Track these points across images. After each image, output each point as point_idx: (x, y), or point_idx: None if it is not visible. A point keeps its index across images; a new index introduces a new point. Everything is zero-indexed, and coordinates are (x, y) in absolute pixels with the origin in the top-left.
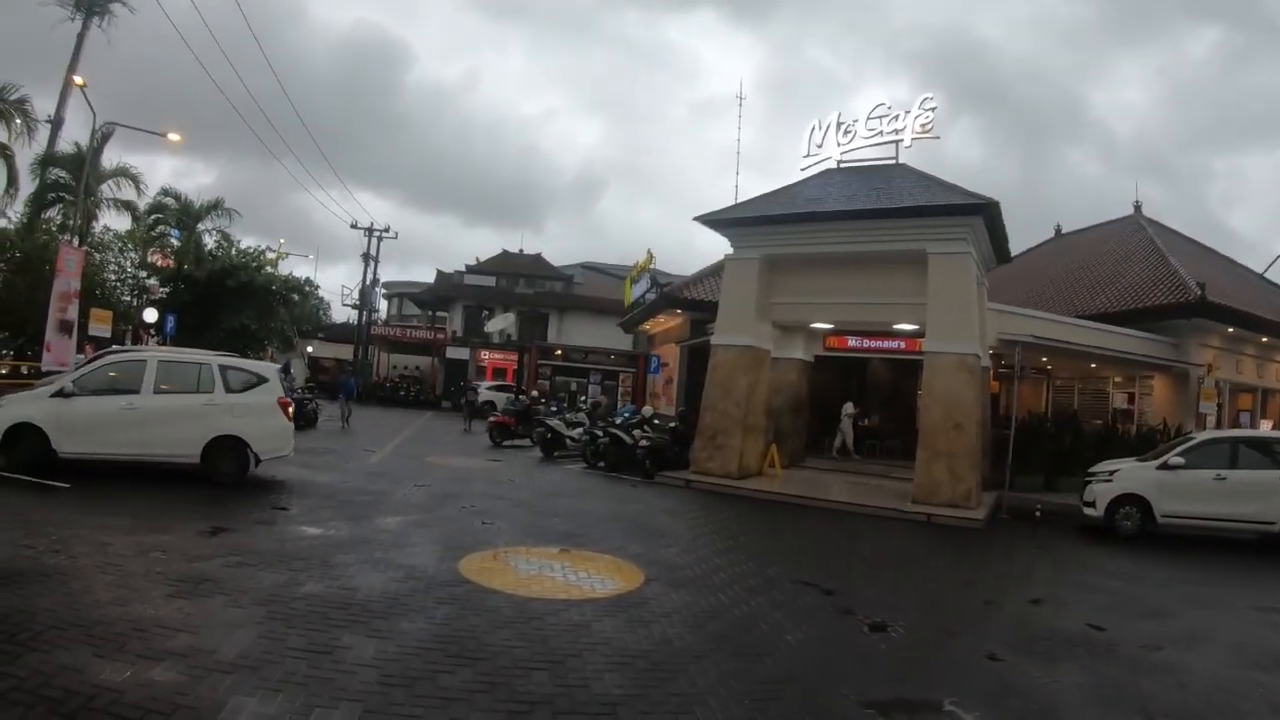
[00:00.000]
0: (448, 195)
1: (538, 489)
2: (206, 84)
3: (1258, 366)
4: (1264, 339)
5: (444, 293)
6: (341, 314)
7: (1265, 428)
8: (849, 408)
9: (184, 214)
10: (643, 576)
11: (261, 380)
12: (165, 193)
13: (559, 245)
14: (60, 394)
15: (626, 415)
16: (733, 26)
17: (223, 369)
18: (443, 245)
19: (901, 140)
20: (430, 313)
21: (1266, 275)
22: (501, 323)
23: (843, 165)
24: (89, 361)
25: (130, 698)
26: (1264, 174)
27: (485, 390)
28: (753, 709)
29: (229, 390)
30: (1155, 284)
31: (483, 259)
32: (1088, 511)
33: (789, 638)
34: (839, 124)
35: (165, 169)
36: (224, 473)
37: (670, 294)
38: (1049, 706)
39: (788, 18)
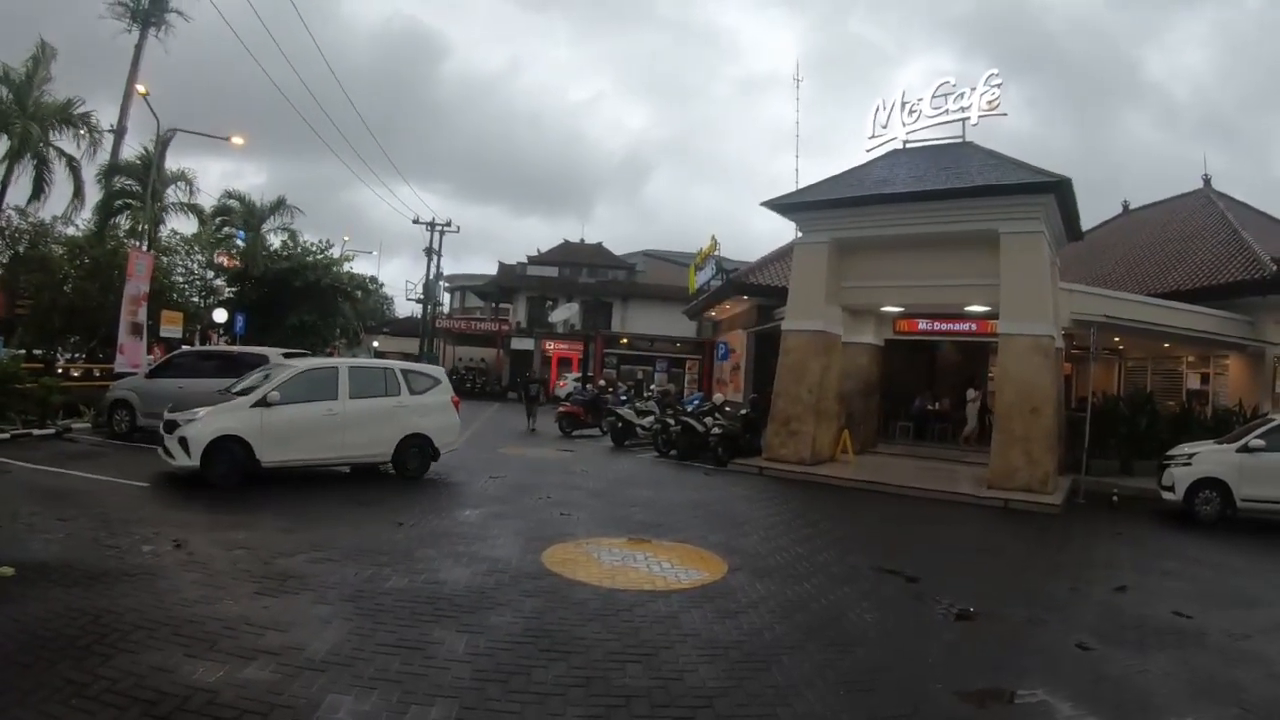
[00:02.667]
0: (495, 186)
1: (612, 478)
2: (250, 86)
3: None
4: None
5: (507, 284)
6: (405, 308)
7: None
8: (972, 393)
9: (249, 215)
10: (726, 566)
11: (437, 382)
12: (229, 195)
13: (614, 232)
14: (263, 403)
15: (695, 403)
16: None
17: (404, 373)
18: (496, 236)
19: (968, 118)
20: (494, 304)
21: None
22: (565, 312)
23: (909, 145)
24: (158, 363)
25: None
26: None
27: (573, 383)
28: (848, 700)
29: (413, 392)
30: (1228, 260)
31: (543, 250)
32: (1166, 496)
33: (877, 627)
34: (903, 103)
35: (216, 172)
36: (412, 468)
37: (737, 280)
38: (1142, 697)
39: None
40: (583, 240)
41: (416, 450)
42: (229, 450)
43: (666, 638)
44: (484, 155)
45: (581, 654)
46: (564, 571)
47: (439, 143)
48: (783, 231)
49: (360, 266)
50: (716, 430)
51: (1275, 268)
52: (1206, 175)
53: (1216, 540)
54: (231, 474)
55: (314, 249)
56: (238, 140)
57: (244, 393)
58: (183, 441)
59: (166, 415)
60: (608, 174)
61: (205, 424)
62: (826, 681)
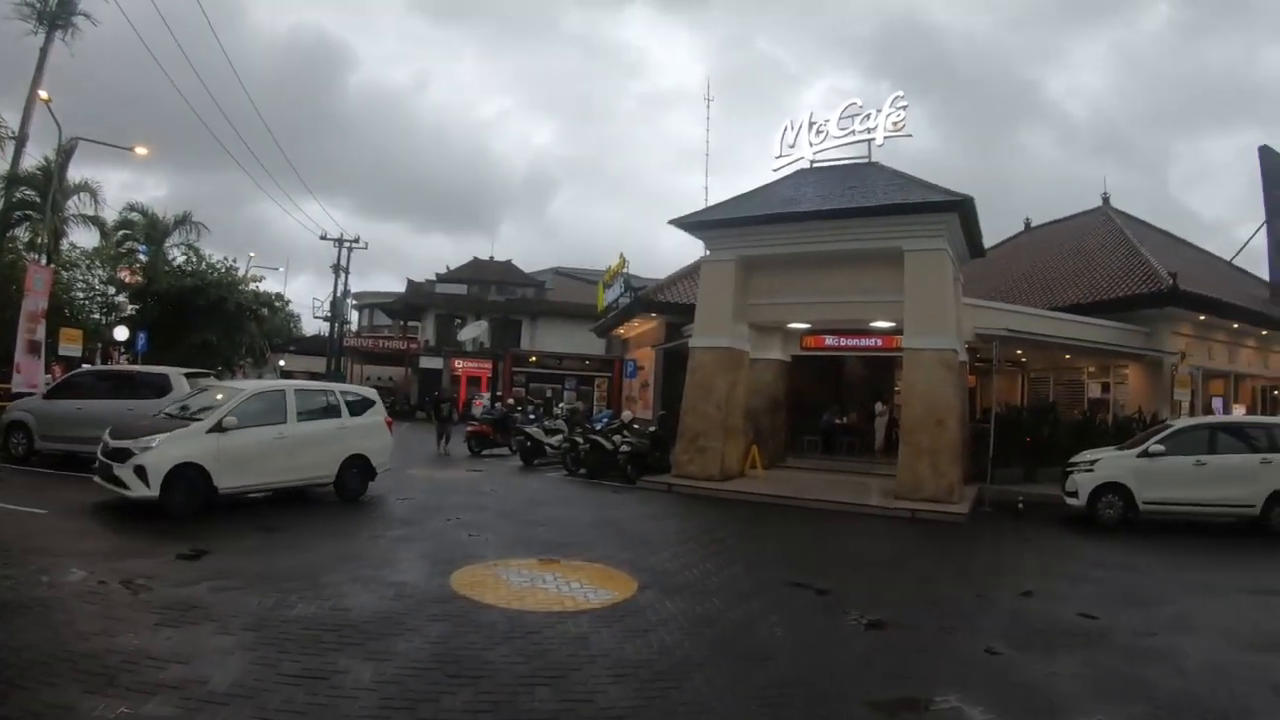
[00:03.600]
0: (402, 202)
1: (521, 498)
2: (151, 94)
3: (1229, 352)
4: (1234, 325)
5: (415, 301)
6: (312, 326)
7: (1238, 413)
8: (880, 407)
9: (152, 229)
10: (635, 584)
11: (372, 403)
12: (132, 208)
13: (523, 249)
14: (218, 428)
15: (604, 420)
16: (675, 19)
17: (343, 394)
18: (404, 253)
19: (874, 139)
20: (402, 322)
21: (1234, 262)
22: (474, 330)
23: (816, 165)
24: (56, 383)
25: None
26: (1224, 154)
27: (488, 402)
28: (761, 715)
29: (352, 414)
30: (1127, 274)
31: (453, 267)
32: (1070, 501)
33: (787, 641)
34: (811, 124)
35: (116, 183)
36: (352, 489)
37: (645, 297)
38: (1052, 698)
39: (733, 6)
40: (492, 258)
41: (356, 471)
42: (188, 478)
43: (576, 659)
44: (390, 171)
45: (490, 678)
46: (472, 594)
47: (344, 157)
48: (691, 249)
49: (266, 283)
50: (625, 448)
51: (1171, 282)
52: (1105, 194)
53: (1119, 543)
54: (190, 502)
55: (218, 266)
56: (141, 150)
57: (182, 416)
58: (139, 470)
59: (111, 442)
60: (515, 191)
61: (163, 451)
62: (738, 697)
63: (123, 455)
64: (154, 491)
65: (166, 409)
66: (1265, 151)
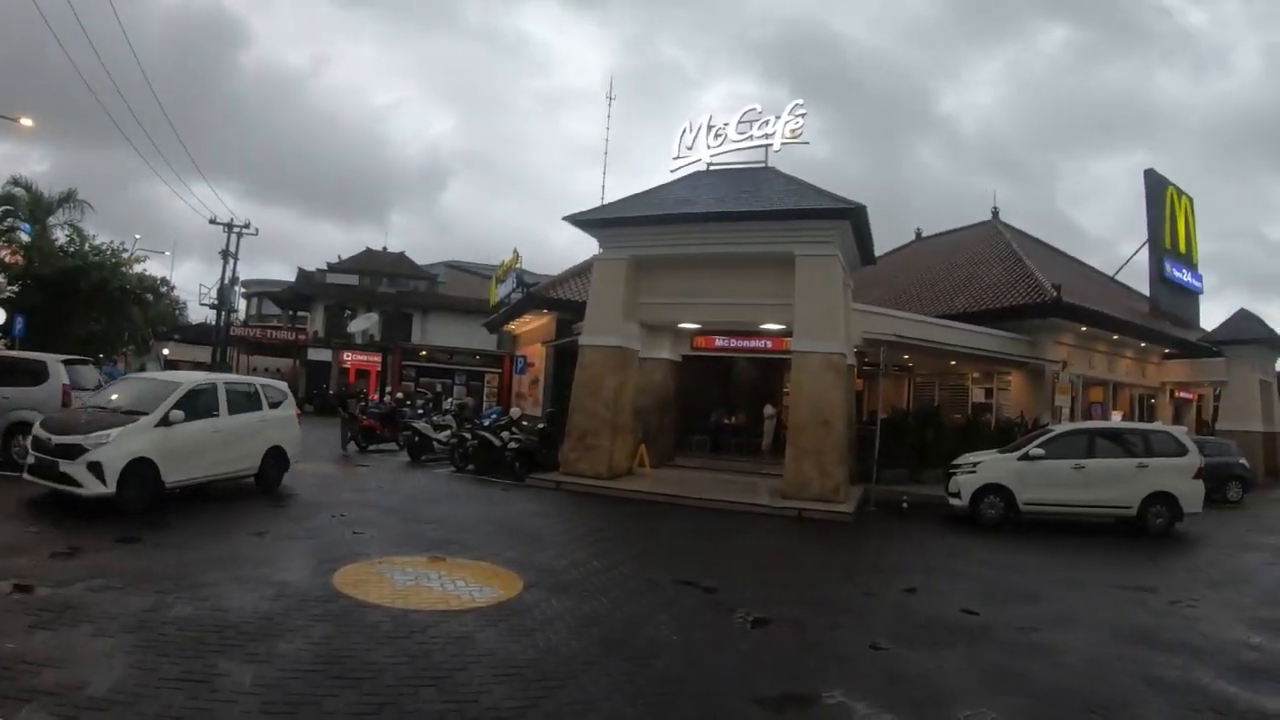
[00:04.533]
0: (293, 187)
1: (407, 495)
2: (37, 65)
3: (1108, 361)
4: (1114, 336)
5: (305, 291)
6: (199, 313)
7: (1116, 418)
8: (769, 409)
9: (35, 206)
10: (521, 583)
11: (286, 396)
12: (15, 182)
13: (417, 242)
14: (165, 422)
15: (493, 417)
16: (579, 16)
17: (263, 387)
18: (296, 241)
19: (772, 144)
20: (291, 312)
21: (1116, 277)
22: (364, 323)
23: (712, 167)
24: None
25: None
26: (1112, 174)
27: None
28: (647, 714)
29: (271, 406)
30: (1013, 286)
31: (345, 257)
32: (953, 502)
33: (675, 639)
34: (710, 127)
35: None
36: (271, 480)
37: (536, 294)
38: (935, 692)
39: (636, 4)
40: (385, 249)
41: (274, 463)
42: (139, 473)
43: (461, 659)
44: (282, 154)
45: (373, 680)
46: (356, 594)
47: (236, 138)
48: (585, 246)
49: (152, 267)
50: (513, 445)
51: (1055, 294)
52: (995, 208)
53: (1001, 541)
54: (142, 497)
55: (103, 249)
56: (26, 122)
57: (114, 409)
58: (94, 467)
59: (53, 438)
60: (410, 182)
61: (119, 446)
62: (624, 696)
63: (72, 451)
64: (111, 488)
65: (89, 401)
66: (1150, 175)
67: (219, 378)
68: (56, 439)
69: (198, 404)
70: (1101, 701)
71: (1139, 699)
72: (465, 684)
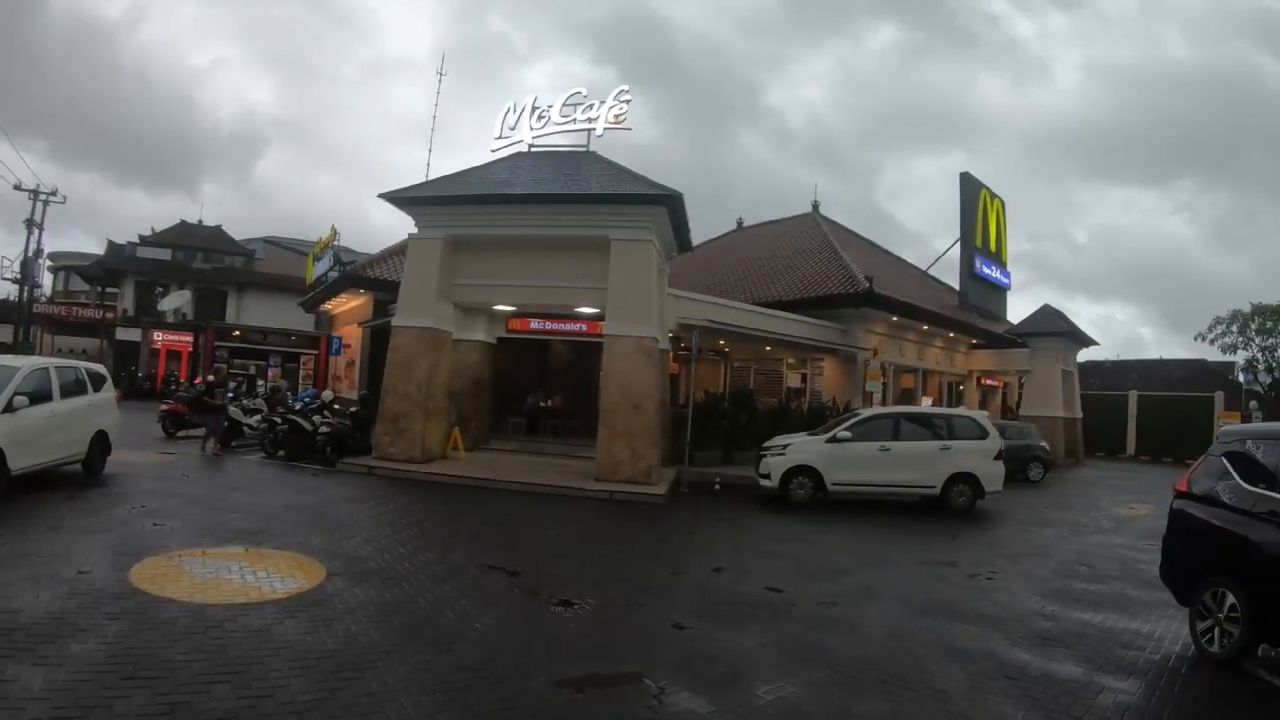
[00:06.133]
0: (100, 150)
1: (214, 483)
2: None
3: (919, 350)
4: (924, 327)
5: (115, 266)
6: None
7: (926, 403)
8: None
9: None
10: (324, 572)
11: (105, 379)
12: None
13: (232, 215)
14: (9, 409)
15: (306, 400)
16: None
17: (89, 372)
18: (102, 211)
19: (595, 129)
20: (99, 289)
21: (929, 271)
22: (177, 300)
23: (534, 149)
24: None
25: None
26: (932, 172)
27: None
28: (445, 701)
29: (95, 390)
30: (828, 276)
31: (159, 229)
32: (764, 483)
33: (477, 624)
34: (534, 108)
35: None
36: (98, 464)
37: (353, 273)
38: (736, 668)
39: None
40: (201, 222)
41: (100, 448)
42: None
43: (258, 653)
44: (91, 114)
45: (167, 678)
46: (153, 589)
47: (39, 92)
48: (408, 224)
49: None
50: (325, 429)
51: (868, 285)
52: (816, 201)
53: (809, 521)
54: None
55: None
56: None
57: None
58: None
59: None
60: (228, 150)
61: None
62: (423, 684)
63: None
64: None
65: None
66: (966, 178)
67: (48, 361)
68: None
69: (34, 389)
70: (898, 671)
71: (935, 668)
72: (261, 678)
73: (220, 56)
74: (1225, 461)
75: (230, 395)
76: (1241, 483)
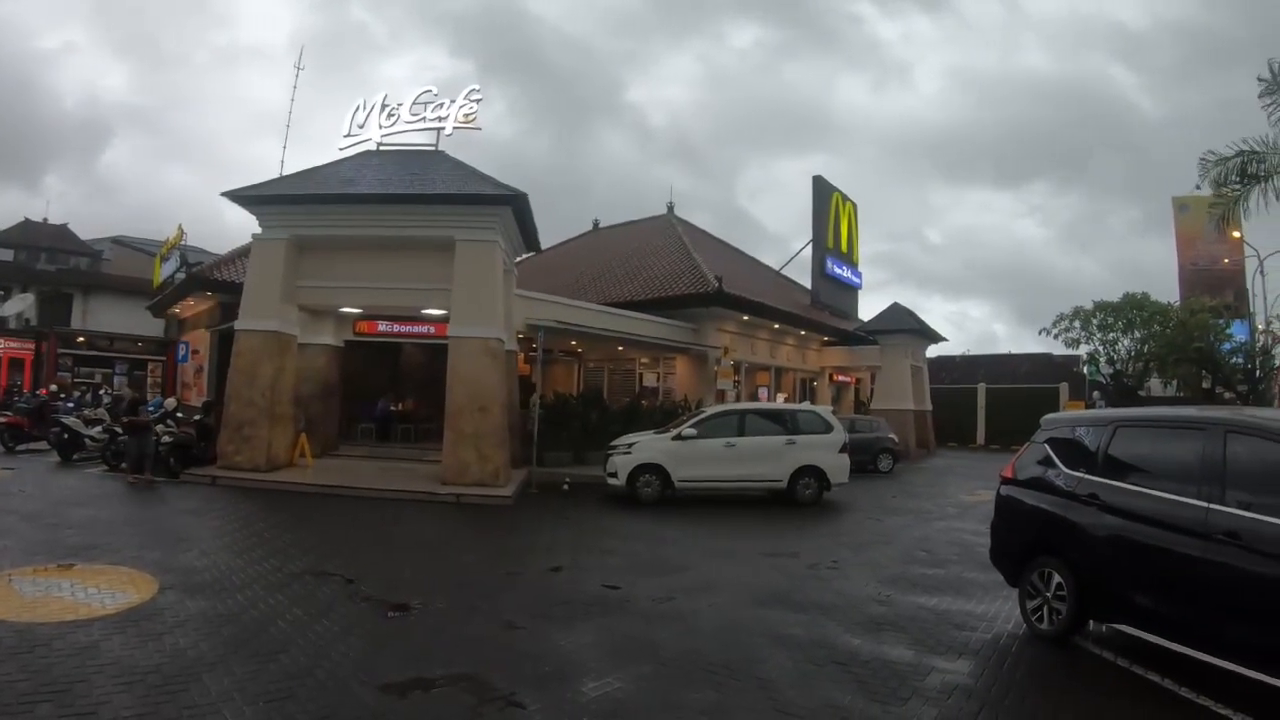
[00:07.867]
0: None
1: (52, 498)
2: None
3: (771, 348)
4: (776, 325)
5: None
6: None
7: (780, 400)
8: None
9: None
10: (157, 585)
11: None
12: None
13: (79, 212)
14: None
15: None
16: None
17: None
18: None
19: (444, 129)
20: None
21: (782, 271)
22: (19, 305)
23: (383, 148)
24: None
25: None
26: (790, 174)
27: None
28: (266, 711)
29: None
30: (679, 276)
31: (0, 228)
32: (611, 482)
33: (305, 633)
34: (384, 106)
35: None
36: None
37: (198, 275)
38: (565, 665)
39: None
40: (46, 220)
41: None
42: None
43: (83, 669)
44: None
45: None
46: None
47: None
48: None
49: None
50: (167, 439)
51: (717, 284)
52: (670, 202)
53: (655, 517)
54: None
55: None
56: None
57: None
58: None
59: None
60: (74, 142)
61: None
62: (246, 695)
63: None
64: None
65: None
66: (818, 181)
67: None
68: None
69: None
70: (726, 662)
71: (765, 656)
72: (85, 695)
73: (70, 39)
74: (1048, 448)
75: (71, 405)
76: (1063, 468)
